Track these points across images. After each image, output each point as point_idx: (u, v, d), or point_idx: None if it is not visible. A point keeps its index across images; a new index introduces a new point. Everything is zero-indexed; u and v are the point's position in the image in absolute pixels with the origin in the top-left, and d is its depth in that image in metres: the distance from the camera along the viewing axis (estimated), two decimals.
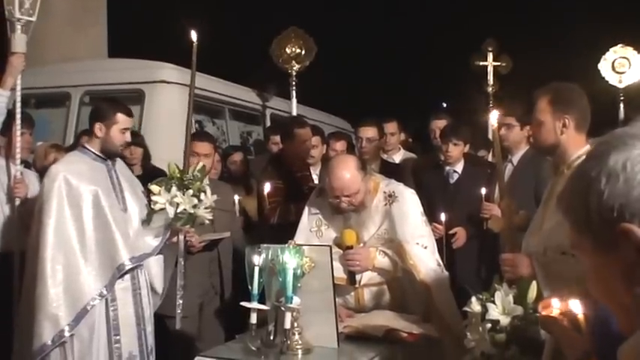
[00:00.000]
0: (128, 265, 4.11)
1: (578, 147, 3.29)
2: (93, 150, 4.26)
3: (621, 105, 8.84)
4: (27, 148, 5.22)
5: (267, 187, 5.15)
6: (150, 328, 4.32)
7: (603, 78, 9.11)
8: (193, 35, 3.90)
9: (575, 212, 1.16)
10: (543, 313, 2.09)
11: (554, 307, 2.04)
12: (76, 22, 10.07)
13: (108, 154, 4.27)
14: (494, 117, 3.48)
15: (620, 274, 1.10)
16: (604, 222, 1.09)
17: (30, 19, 4.54)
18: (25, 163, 5.28)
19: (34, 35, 4.65)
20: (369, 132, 6.03)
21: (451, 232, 5.38)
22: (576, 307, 1.82)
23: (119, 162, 4.45)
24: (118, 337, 4.12)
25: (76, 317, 3.96)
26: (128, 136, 4.33)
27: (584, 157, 3.28)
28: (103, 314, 4.09)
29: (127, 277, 4.17)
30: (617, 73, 9.12)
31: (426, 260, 3.93)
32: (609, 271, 1.12)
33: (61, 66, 8.38)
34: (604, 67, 9.18)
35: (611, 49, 9.21)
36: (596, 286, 1.18)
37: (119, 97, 6.18)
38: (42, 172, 5.27)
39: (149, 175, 4.83)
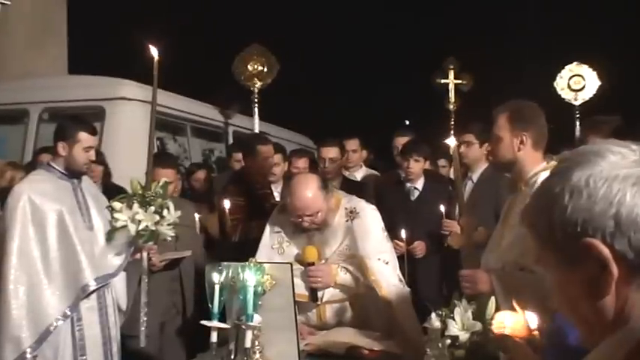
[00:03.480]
0: (93, 286, 4.07)
1: (535, 164, 3.35)
2: (58, 168, 4.21)
3: (577, 122, 9.01)
4: None
5: (227, 204, 5.12)
6: (116, 347, 4.28)
7: (559, 95, 9.30)
8: (154, 51, 3.88)
9: (539, 227, 1.18)
10: (496, 331, 2.11)
11: (507, 324, 2.06)
12: (37, 40, 9.98)
13: (72, 173, 4.23)
14: (452, 140, 3.51)
15: (583, 289, 1.13)
16: (568, 237, 1.12)
17: None
18: None
19: None
20: (330, 152, 6.04)
21: (411, 247, 5.39)
22: (532, 321, 1.84)
23: (86, 179, 4.41)
24: (84, 358, 4.08)
25: (38, 339, 3.91)
26: (92, 155, 4.28)
27: (541, 174, 3.34)
28: (68, 334, 4.04)
29: (93, 296, 4.13)
30: (573, 90, 9.31)
31: (387, 276, 3.94)
32: (573, 285, 1.15)
33: (19, 82, 8.29)
34: (560, 84, 9.36)
35: (567, 67, 9.41)
36: (560, 300, 1.20)
37: (79, 114, 6.11)
38: None
39: (110, 192, 4.78)
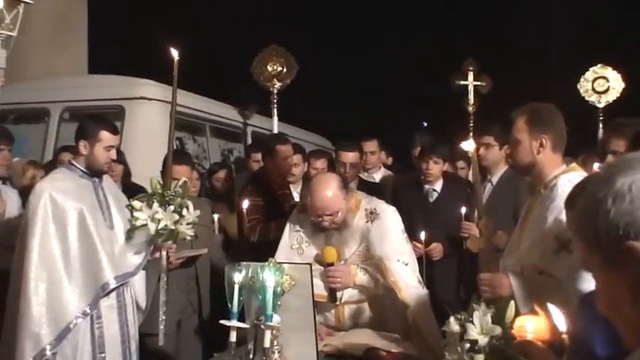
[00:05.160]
0: (112, 284, 4.09)
1: (554, 167, 3.32)
2: (79, 167, 4.24)
3: (600, 125, 8.93)
4: (5, 165, 5.18)
5: (245, 204, 5.13)
6: (134, 346, 4.29)
7: (582, 97, 9.21)
8: (174, 53, 3.90)
9: (584, 231, 1.23)
10: (518, 337, 2.08)
11: (528, 328, 2.04)
12: (57, 39, 10.06)
13: (93, 172, 4.25)
14: (470, 144, 3.49)
15: (627, 290, 1.16)
16: (611, 240, 1.16)
17: (10, 34, 4.51)
18: (3, 180, 5.23)
19: (14, 52, 4.62)
20: (350, 157, 6.00)
21: (428, 248, 5.37)
22: (560, 323, 1.82)
23: (106, 178, 4.43)
24: (103, 355, 4.09)
25: (58, 336, 3.92)
26: (113, 154, 4.30)
27: (561, 176, 3.31)
28: (87, 332, 4.06)
29: (113, 294, 4.15)
30: (597, 92, 9.22)
31: (406, 277, 3.93)
32: (617, 286, 1.18)
33: (40, 82, 8.34)
34: (583, 86, 9.28)
35: (591, 69, 9.32)
36: (604, 301, 1.23)
37: (99, 113, 6.15)
38: (20, 189, 5.23)
39: (129, 191, 4.80)
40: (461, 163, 7.00)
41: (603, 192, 1.19)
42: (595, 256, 1.21)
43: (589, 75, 9.29)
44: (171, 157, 4.03)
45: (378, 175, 6.92)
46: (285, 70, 8.75)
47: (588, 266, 1.26)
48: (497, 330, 2.75)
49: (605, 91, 9.21)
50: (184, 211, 3.97)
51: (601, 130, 8.70)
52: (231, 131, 8.86)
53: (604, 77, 9.23)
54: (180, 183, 4.05)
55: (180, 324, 5.15)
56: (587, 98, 9.24)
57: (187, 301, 5.19)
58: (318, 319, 3.66)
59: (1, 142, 5.01)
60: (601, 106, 9.19)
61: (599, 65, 9.34)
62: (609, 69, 9.31)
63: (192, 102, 7.78)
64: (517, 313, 2.76)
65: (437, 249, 5.50)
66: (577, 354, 1.78)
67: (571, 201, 1.33)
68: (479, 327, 2.79)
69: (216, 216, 5.63)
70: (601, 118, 9.06)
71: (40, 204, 4.00)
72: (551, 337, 1.96)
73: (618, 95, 9.23)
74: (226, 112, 8.66)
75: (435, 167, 5.72)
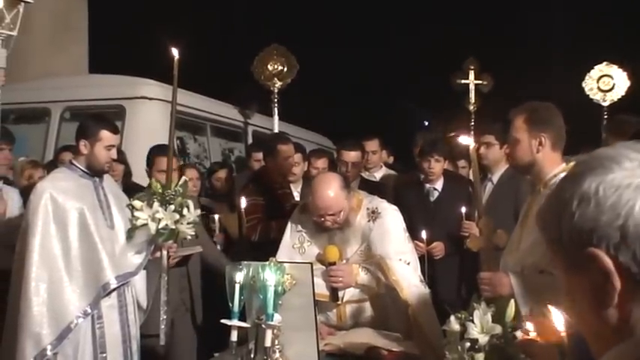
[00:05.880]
0: (113, 284, 4.08)
1: (554, 165, 3.32)
2: (80, 166, 4.23)
3: (605, 123, 8.90)
4: (6, 165, 5.18)
5: (243, 203, 5.11)
6: (135, 346, 4.29)
7: (587, 96, 9.19)
8: (175, 52, 3.89)
9: (550, 231, 1.16)
10: (521, 337, 2.08)
11: (531, 329, 2.04)
12: (58, 39, 10.05)
13: (94, 171, 4.24)
14: (469, 140, 3.49)
15: (589, 296, 1.10)
16: (574, 244, 1.10)
17: (11, 33, 4.50)
18: (5, 180, 5.23)
19: (14, 51, 4.62)
20: (352, 156, 5.94)
21: (430, 247, 5.36)
22: (559, 324, 1.82)
23: (107, 178, 4.43)
24: (104, 355, 4.09)
25: (59, 336, 3.92)
26: (114, 154, 4.29)
27: (560, 175, 3.30)
28: (89, 332, 4.06)
29: (114, 294, 4.15)
30: (602, 91, 9.19)
31: (408, 276, 3.93)
32: (579, 291, 1.13)
33: (41, 81, 8.33)
34: (588, 84, 9.26)
35: (596, 67, 9.29)
36: (568, 305, 1.18)
37: (100, 113, 6.14)
38: (21, 189, 5.23)
39: (129, 191, 4.80)
40: (462, 162, 7.00)
41: (570, 192, 1.11)
42: (559, 257, 1.15)
43: (594, 73, 9.26)
44: (171, 156, 4.03)
45: (379, 174, 6.92)
46: (285, 69, 8.75)
47: (554, 266, 1.19)
48: (498, 329, 2.75)
49: (611, 90, 9.18)
50: (185, 211, 3.97)
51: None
52: (231, 130, 8.86)
53: (609, 75, 9.20)
54: (180, 182, 4.05)
55: (174, 323, 5.14)
56: (591, 96, 9.22)
57: (180, 300, 5.20)
58: (319, 318, 3.66)
59: (1, 142, 5.01)
60: (606, 104, 9.16)
61: (604, 63, 9.32)
62: (615, 67, 9.28)
63: (193, 101, 7.77)
64: (517, 312, 2.76)
65: (438, 248, 5.50)
66: (576, 354, 1.77)
67: None
68: (479, 326, 2.79)
69: (216, 216, 5.62)
70: (606, 116, 9.03)
71: (41, 204, 4.00)
72: (556, 336, 1.95)
73: (623, 94, 9.20)
74: (227, 112, 8.66)
75: (437, 165, 5.72)
